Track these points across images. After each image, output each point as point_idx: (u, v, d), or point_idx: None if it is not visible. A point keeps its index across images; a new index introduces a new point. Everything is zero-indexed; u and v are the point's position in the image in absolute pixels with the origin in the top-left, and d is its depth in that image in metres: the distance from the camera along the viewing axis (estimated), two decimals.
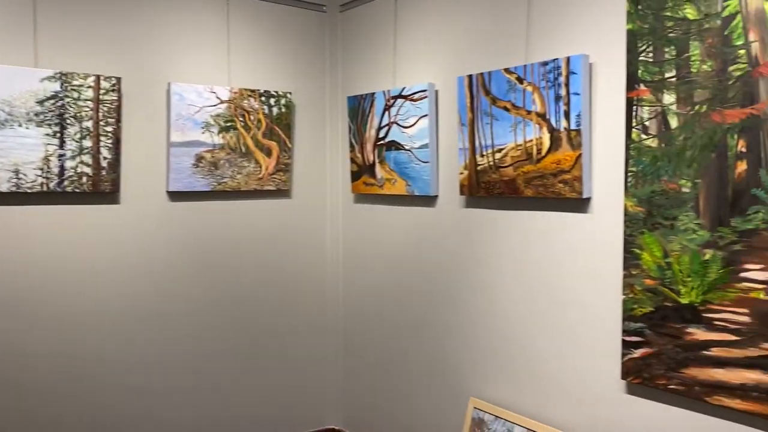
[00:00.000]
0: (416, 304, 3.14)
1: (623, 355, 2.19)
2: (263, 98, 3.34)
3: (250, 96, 3.29)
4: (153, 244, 3.12)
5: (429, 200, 3.04)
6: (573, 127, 2.29)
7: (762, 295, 1.83)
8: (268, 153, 3.37)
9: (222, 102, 3.21)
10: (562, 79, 2.31)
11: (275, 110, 3.38)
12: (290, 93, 3.43)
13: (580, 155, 2.28)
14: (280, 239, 3.52)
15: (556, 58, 2.33)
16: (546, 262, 2.51)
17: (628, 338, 2.17)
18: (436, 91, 2.96)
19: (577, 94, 2.27)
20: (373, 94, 3.22)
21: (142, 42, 3.06)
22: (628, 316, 2.17)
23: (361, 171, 3.36)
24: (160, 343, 3.15)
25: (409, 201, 3.17)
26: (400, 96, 3.06)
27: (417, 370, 3.15)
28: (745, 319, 1.87)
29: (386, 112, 3.14)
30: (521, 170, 2.47)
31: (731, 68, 1.89)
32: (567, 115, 2.31)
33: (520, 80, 2.46)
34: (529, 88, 2.43)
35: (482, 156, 2.63)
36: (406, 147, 3.04)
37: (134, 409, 3.09)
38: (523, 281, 2.60)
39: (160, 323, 3.15)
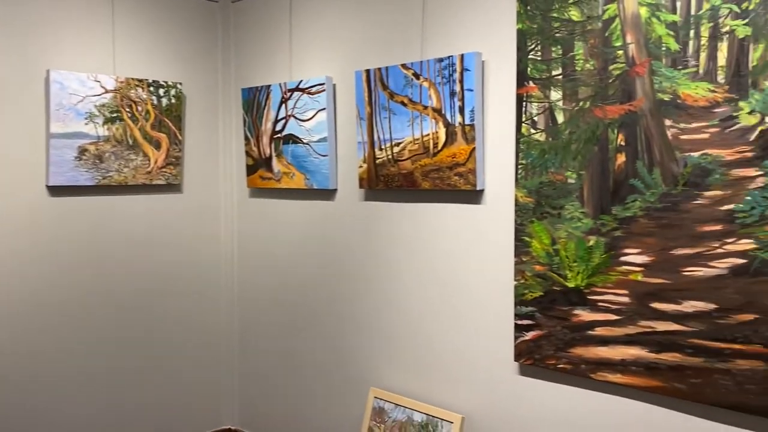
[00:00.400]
0: (314, 298, 3.14)
1: (516, 338, 2.31)
2: (152, 88, 3.20)
3: (137, 86, 3.14)
4: (30, 243, 2.91)
5: (328, 194, 3.04)
6: (467, 122, 2.38)
7: (640, 277, 2.00)
8: (158, 146, 3.24)
9: (107, 91, 3.04)
10: (456, 75, 2.40)
11: (165, 101, 3.25)
12: (180, 83, 3.31)
13: (474, 149, 2.37)
14: (171, 236, 3.39)
15: (451, 55, 2.41)
16: (442, 252, 2.59)
17: (519, 322, 2.29)
18: (334, 85, 2.96)
19: (471, 90, 2.36)
20: (269, 86, 3.18)
21: (17, 24, 2.83)
22: (519, 300, 2.29)
23: (257, 165, 3.31)
24: (43, 350, 2.95)
25: (307, 195, 3.16)
26: (297, 89, 3.04)
27: (316, 364, 3.15)
28: (625, 299, 2.03)
29: (283, 105, 3.11)
30: (419, 163, 2.54)
31: (611, 67, 2.04)
32: (461, 110, 2.39)
33: (417, 76, 2.52)
34: (426, 84, 2.49)
35: (381, 150, 2.67)
36: (304, 140, 3.03)
37: (18, 422, 2.87)
38: (420, 271, 2.67)
39: (43, 330, 2.94)
